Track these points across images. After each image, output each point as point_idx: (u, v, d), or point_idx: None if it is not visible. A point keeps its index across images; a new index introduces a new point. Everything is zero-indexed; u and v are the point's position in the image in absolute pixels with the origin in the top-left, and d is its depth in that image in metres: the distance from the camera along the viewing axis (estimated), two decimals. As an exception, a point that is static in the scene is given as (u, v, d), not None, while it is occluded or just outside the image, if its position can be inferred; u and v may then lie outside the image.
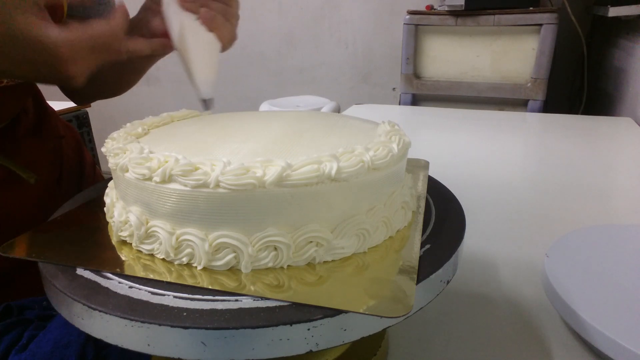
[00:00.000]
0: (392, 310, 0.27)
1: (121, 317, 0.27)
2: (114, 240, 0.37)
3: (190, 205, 0.32)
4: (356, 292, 0.29)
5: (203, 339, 0.26)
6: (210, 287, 0.30)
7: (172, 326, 0.26)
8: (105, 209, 0.40)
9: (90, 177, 0.73)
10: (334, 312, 0.27)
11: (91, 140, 1.70)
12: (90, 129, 1.72)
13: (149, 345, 0.27)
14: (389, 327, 0.29)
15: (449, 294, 0.51)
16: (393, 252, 0.35)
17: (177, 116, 0.49)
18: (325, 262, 0.33)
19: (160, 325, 0.26)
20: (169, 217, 0.33)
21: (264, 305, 0.28)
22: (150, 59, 0.64)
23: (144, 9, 0.59)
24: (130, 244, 0.35)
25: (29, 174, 0.58)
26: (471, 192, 0.78)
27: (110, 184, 0.41)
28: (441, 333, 0.46)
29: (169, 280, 0.31)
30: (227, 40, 0.55)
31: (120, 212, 0.36)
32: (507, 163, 1.00)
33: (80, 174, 0.71)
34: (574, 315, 0.42)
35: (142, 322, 0.27)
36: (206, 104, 0.54)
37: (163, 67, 0.54)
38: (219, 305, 0.28)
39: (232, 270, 0.32)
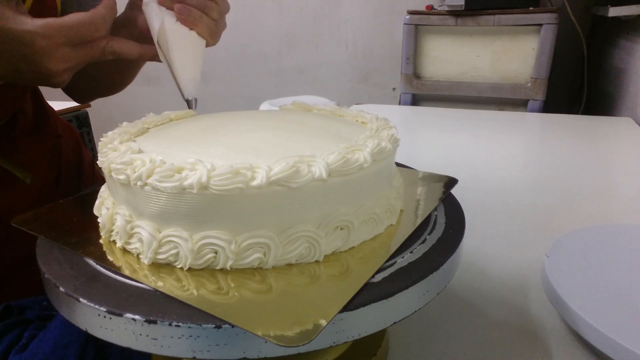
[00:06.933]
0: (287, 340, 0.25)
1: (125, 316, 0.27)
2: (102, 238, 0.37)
3: (172, 207, 0.32)
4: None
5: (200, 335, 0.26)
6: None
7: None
8: (95, 207, 0.40)
9: (89, 177, 0.72)
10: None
11: (91, 140, 1.70)
12: (90, 128, 1.72)
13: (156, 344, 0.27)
14: (388, 326, 0.29)
15: (448, 294, 0.51)
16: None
17: (175, 116, 0.49)
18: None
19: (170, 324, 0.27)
20: (153, 218, 0.33)
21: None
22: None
23: (129, 6, 0.56)
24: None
25: (25, 173, 0.57)
26: (471, 192, 0.78)
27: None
28: (441, 333, 0.46)
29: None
30: (208, 36, 0.52)
31: (109, 211, 0.36)
32: (507, 163, 1.00)
33: (79, 174, 0.71)
34: (574, 315, 0.42)
35: (147, 321, 0.27)
36: (189, 104, 0.52)
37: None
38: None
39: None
